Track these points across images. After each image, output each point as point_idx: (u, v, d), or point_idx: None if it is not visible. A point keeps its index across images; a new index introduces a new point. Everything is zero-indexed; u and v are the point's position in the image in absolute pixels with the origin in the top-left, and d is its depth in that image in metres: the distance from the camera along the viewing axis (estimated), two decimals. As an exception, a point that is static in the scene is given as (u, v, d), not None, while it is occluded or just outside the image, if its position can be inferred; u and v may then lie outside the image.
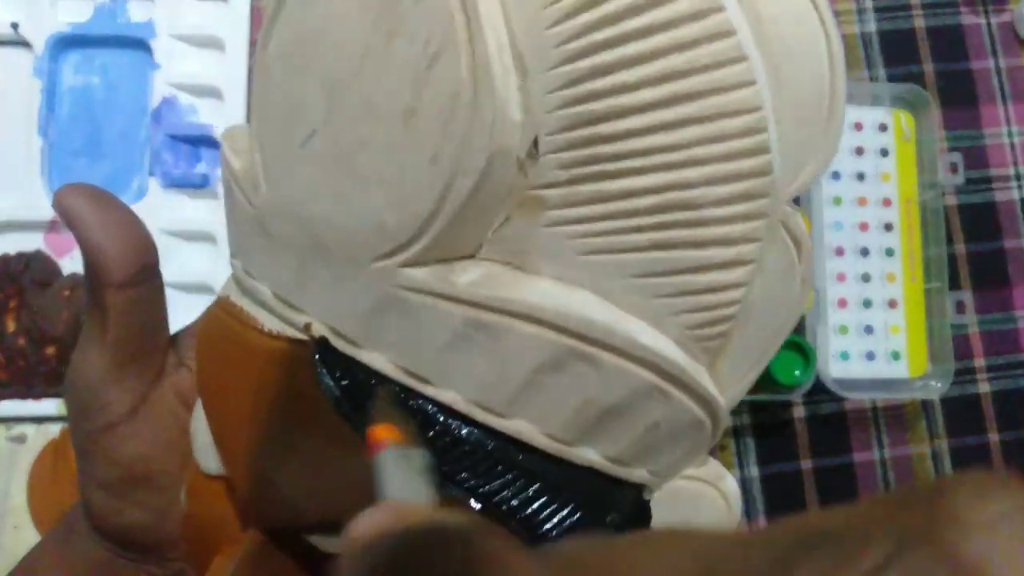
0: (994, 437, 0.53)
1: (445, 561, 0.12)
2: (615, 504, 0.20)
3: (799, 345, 0.48)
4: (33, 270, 0.52)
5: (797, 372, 0.48)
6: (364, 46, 0.17)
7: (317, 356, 0.19)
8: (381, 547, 0.12)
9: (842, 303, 0.51)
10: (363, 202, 0.18)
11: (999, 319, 0.54)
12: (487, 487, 0.19)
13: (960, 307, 0.51)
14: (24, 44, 0.54)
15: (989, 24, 0.57)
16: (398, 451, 0.17)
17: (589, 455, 0.19)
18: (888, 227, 0.52)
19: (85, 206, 0.23)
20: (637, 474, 0.20)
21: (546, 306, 0.17)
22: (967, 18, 0.57)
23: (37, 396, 0.51)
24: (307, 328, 0.20)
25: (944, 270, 0.51)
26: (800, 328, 0.50)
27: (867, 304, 0.51)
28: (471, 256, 0.18)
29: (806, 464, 0.51)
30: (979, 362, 0.54)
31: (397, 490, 0.16)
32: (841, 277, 0.52)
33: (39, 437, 0.51)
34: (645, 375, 0.18)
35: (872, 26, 0.56)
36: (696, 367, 0.19)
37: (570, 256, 0.18)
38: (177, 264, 0.52)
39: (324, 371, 0.19)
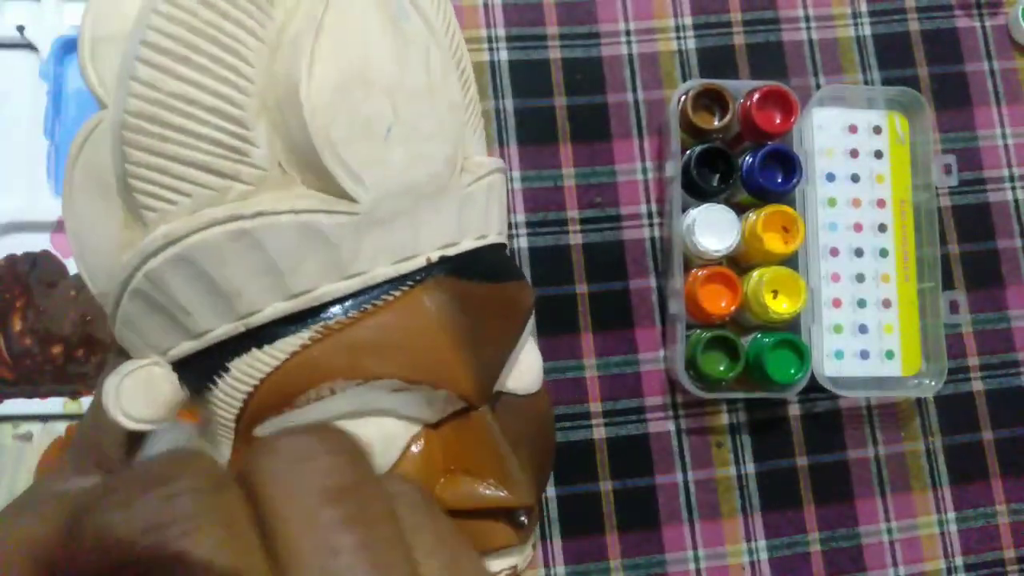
0: (987, 435, 0.53)
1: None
2: None
3: (794, 344, 0.49)
4: (40, 270, 0.53)
5: (792, 371, 0.49)
6: (394, 56, 0.25)
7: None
8: None
9: (836, 303, 0.52)
10: (432, 150, 0.26)
11: (992, 319, 0.55)
12: None
13: (954, 307, 0.52)
14: (30, 47, 0.54)
15: (983, 27, 0.57)
16: None
17: None
18: (882, 228, 0.53)
19: None
20: None
21: None
22: (961, 21, 0.57)
23: (43, 395, 0.52)
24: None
25: (937, 270, 0.52)
26: (795, 327, 0.50)
27: (861, 304, 0.52)
28: None
29: (801, 461, 0.52)
30: (972, 361, 0.54)
31: None
32: (836, 277, 0.52)
33: (45, 435, 0.52)
34: None
35: (867, 30, 0.57)
36: None
37: None
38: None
39: None
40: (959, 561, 0.52)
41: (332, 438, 0.14)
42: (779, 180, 0.50)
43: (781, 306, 0.48)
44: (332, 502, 0.13)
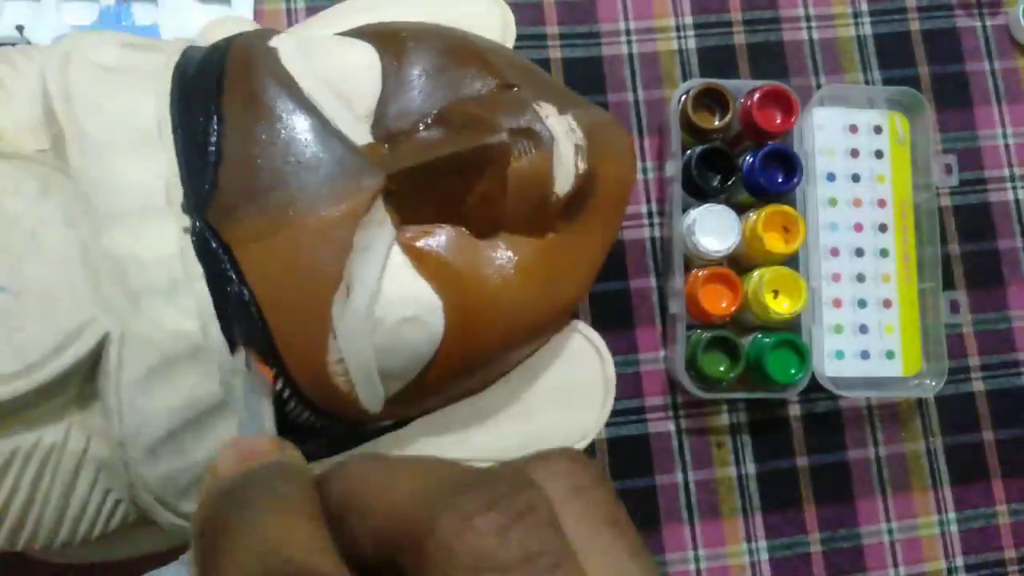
0: (988, 435, 0.53)
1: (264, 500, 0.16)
2: None
3: (795, 344, 0.49)
4: (39, 270, 0.52)
5: (792, 371, 0.49)
6: None
7: None
8: (221, 489, 0.17)
9: (837, 303, 0.52)
10: None
11: (993, 319, 0.55)
12: None
13: (954, 307, 0.52)
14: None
15: (984, 27, 0.57)
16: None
17: None
18: (883, 228, 0.53)
19: None
20: None
21: None
22: (962, 21, 0.57)
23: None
24: None
25: (938, 270, 0.51)
26: (796, 327, 0.50)
27: (862, 304, 0.52)
28: None
29: (802, 461, 0.52)
30: (973, 361, 0.54)
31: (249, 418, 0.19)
32: (836, 277, 0.52)
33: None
34: None
35: (867, 29, 0.57)
36: None
37: None
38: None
39: None
40: (960, 561, 0.52)
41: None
42: (779, 180, 0.50)
43: (782, 306, 0.48)
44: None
